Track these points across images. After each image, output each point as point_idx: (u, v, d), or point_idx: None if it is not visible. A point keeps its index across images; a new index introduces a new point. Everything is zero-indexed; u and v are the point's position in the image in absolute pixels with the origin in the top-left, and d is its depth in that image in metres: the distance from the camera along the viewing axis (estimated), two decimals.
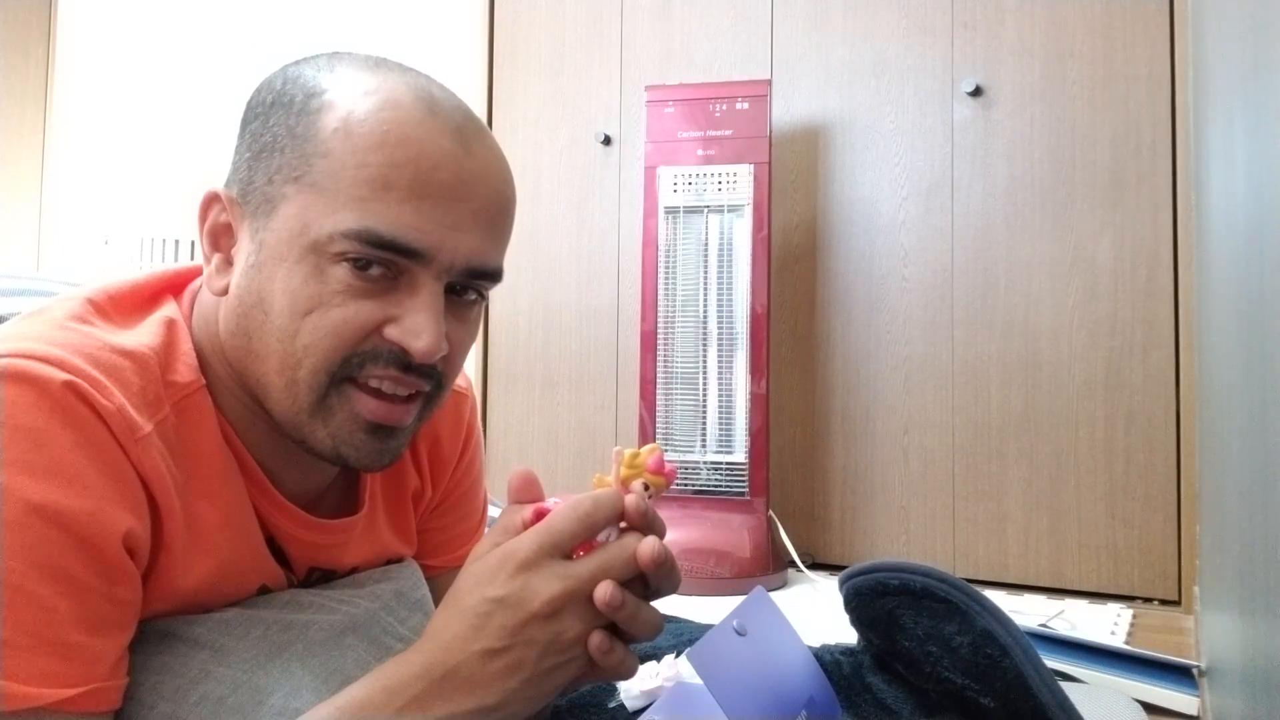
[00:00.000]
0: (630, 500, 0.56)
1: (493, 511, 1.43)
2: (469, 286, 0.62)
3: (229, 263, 0.61)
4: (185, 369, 0.60)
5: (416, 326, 0.57)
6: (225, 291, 0.61)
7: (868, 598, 0.81)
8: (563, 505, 0.55)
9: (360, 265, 0.56)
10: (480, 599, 0.53)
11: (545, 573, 0.53)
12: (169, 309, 0.63)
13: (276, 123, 0.59)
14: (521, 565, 0.53)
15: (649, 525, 0.56)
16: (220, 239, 0.62)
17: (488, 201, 0.60)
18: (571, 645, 0.53)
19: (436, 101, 0.59)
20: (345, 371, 0.58)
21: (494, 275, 0.62)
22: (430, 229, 0.57)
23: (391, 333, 0.58)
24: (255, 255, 0.59)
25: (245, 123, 0.62)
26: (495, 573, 0.54)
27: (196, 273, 0.68)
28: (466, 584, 0.55)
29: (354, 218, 0.56)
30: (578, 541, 0.54)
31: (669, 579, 0.56)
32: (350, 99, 0.58)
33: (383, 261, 0.57)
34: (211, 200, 0.62)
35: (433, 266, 0.58)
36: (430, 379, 0.61)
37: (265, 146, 0.59)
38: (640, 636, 0.56)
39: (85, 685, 0.50)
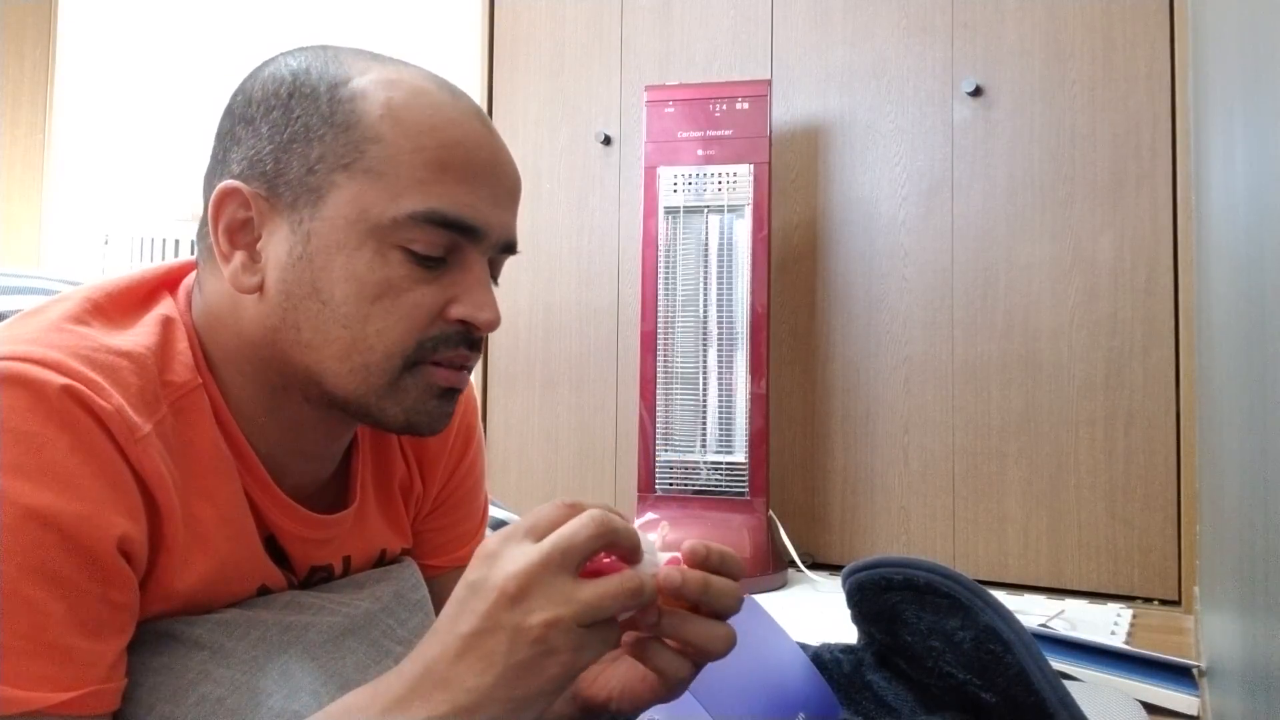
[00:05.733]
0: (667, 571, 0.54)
1: (493, 511, 1.44)
2: (492, 271, 0.65)
3: (255, 259, 0.60)
4: (181, 368, 0.60)
5: (480, 301, 0.60)
6: (258, 289, 0.59)
7: (871, 593, 0.81)
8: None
9: (418, 253, 0.58)
10: (459, 585, 0.52)
11: (511, 551, 0.50)
12: (165, 306, 0.63)
13: (304, 112, 0.58)
14: (491, 550, 0.51)
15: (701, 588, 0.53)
16: (238, 235, 0.60)
17: (513, 180, 0.64)
18: (541, 636, 0.48)
19: (451, 87, 0.62)
20: (419, 356, 0.60)
21: (515, 249, 0.65)
22: (482, 206, 0.60)
23: (457, 310, 0.60)
24: (303, 247, 0.58)
25: (250, 118, 0.60)
26: (474, 563, 0.52)
27: (191, 267, 0.67)
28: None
29: (419, 200, 0.57)
30: (554, 526, 0.51)
31: (709, 592, 0.53)
32: (381, 86, 0.59)
33: (444, 243, 0.59)
34: (228, 195, 0.59)
35: (484, 244, 0.61)
36: (479, 351, 0.64)
37: (295, 136, 0.58)
38: (702, 648, 0.53)
39: (81, 688, 0.50)
